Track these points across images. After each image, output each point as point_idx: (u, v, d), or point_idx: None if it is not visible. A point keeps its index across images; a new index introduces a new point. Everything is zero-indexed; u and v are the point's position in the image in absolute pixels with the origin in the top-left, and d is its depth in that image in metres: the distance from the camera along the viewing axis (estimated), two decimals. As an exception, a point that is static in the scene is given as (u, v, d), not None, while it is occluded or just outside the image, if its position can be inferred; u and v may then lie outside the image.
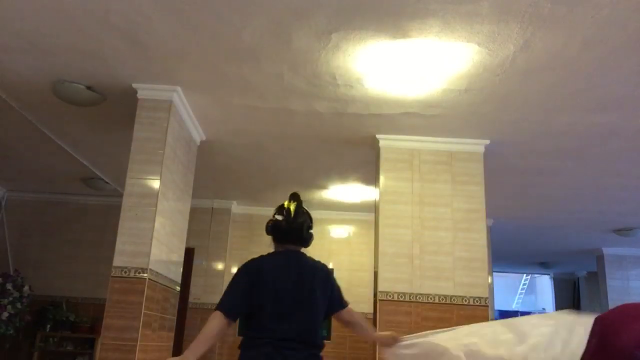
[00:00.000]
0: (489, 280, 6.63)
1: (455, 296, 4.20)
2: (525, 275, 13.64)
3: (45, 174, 6.14)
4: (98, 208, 6.79)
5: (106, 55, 3.41)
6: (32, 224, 6.80)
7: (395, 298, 4.19)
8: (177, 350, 6.01)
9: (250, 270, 2.21)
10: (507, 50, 3.12)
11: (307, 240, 2.32)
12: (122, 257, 3.57)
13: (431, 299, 4.18)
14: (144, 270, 3.55)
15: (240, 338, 2.21)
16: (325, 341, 2.26)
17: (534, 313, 13.25)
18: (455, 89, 3.65)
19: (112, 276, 3.55)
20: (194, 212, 4.98)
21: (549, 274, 12.67)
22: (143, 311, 3.49)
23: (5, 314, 5.63)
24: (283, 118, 4.26)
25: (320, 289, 2.25)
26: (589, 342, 1.14)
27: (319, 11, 2.83)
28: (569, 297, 12.24)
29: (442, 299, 4.19)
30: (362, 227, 7.27)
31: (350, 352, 6.88)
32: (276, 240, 2.33)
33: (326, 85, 3.67)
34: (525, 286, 13.89)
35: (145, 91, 3.82)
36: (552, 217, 7.03)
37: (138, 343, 3.43)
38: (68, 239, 6.74)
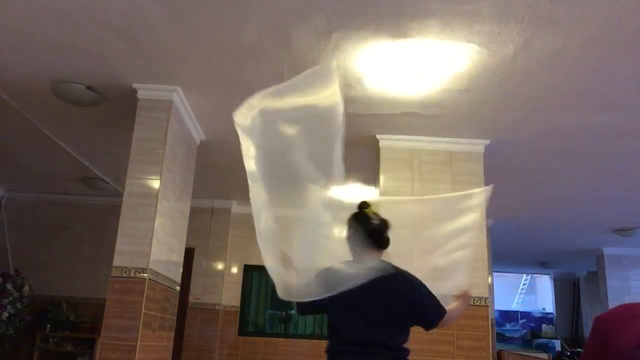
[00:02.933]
0: (489, 280, 6.63)
1: (455, 296, 4.19)
2: (525, 275, 13.64)
3: (45, 174, 6.14)
4: (98, 208, 6.79)
5: (106, 55, 3.41)
6: (32, 224, 6.80)
7: (395, 298, 4.18)
8: (177, 350, 6.02)
9: None
10: (507, 50, 3.12)
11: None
12: (122, 257, 3.57)
13: (431, 299, 4.17)
14: (144, 270, 3.55)
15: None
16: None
17: (534, 313, 13.27)
18: (455, 89, 3.65)
19: (112, 276, 3.55)
20: (194, 212, 4.98)
21: (549, 274, 12.67)
22: (143, 311, 3.49)
23: (5, 314, 5.63)
24: (283, 118, 4.25)
25: None
26: (588, 342, 1.14)
27: (319, 11, 2.83)
28: (569, 297, 12.24)
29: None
30: (362, 227, 7.26)
31: (350, 352, 6.86)
32: None
33: (326, 85, 3.66)
34: (525, 286, 13.87)
35: (145, 91, 3.82)
36: (552, 217, 7.03)
37: (138, 343, 3.43)
38: (68, 239, 6.74)
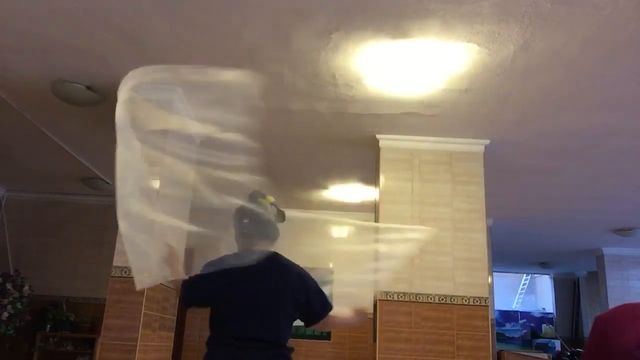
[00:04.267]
0: (489, 280, 6.62)
1: (455, 296, 4.20)
2: (525, 275, 13.64)
3: (45, 174, 6.14)
4: (98, 208, 6.78)
5: (106, 55, 3.41)
6: (32, 224, 6.79)
7: (395, 298, 4.18)
8: (177, 350, 6.02)
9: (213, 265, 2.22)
10: (507, 50, 3.12)
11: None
12: (122, 257, 3.56)
13: (431, 299, 4.18)
14: (144, 270, 3.54)
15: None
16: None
17: (534, 313, 13.26)
18: (455, 89, 3.65)
19: (112, 276, 3.55)
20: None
21: (549, 274, 12.67)
22: (143, 311, 3.49)
23: (5, 314, 5.63)
24: (283, 118, 4.26)
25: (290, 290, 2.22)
26: (588, 342, 1.14)
27: (319, 11, 2.83)
28: (569, 297, 12.24)
29: (442, 299, 4.19)
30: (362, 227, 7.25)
31: (350, 352, 6.87)
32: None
33: (326, 85, 3.67)
34: (525, 286, 13.88)
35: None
36: (552, 217, 7.03)
37: (138, 343, 3.43)
38: (68, 239, 6.73)
